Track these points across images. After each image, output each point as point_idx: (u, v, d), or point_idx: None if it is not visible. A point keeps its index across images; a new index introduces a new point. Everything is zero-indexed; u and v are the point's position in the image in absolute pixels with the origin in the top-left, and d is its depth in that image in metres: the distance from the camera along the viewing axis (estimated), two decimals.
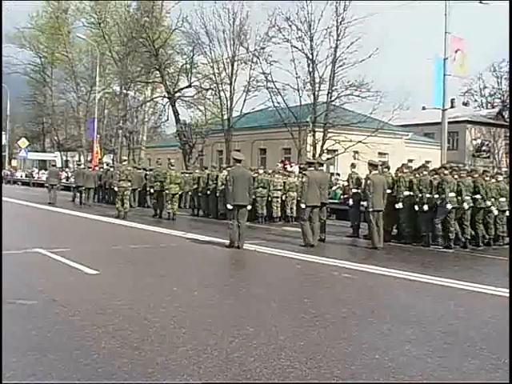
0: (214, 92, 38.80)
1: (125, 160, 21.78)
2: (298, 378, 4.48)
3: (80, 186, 26.35)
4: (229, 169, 14.86)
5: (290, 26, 32.80)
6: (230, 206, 12.06)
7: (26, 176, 55.04)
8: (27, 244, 11.46)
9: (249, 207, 12.50)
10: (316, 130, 32.51)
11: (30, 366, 4.65)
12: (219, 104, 38.12)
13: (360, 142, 31.03)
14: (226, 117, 37.62)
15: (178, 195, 19.72)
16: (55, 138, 61.05)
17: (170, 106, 40.94)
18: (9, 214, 18.61)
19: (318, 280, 9.09)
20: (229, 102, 37.40)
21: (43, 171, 50.21)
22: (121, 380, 4.35)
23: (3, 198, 25.16)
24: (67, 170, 49.58)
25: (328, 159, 31.74)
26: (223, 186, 17.36)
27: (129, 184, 19.49)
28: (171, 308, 6.71)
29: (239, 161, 12.58)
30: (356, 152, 29.94)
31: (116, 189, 19.65)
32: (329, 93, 32.53)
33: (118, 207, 19.26)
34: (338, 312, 6.74)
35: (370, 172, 13.36)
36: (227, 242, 12.30)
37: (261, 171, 20.59)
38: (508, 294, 7.81)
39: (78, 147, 56.33)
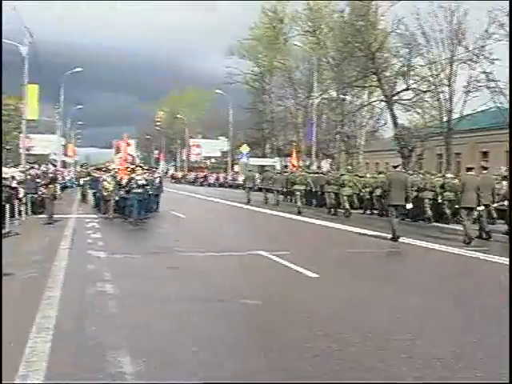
0: (432, 94, 40.18)
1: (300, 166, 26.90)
2: None
3: (267, 189, 31.32)
4: (388, 173, 18.11)
5: None
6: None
7: None
8: (248, 245, 13.33)
9: (409, 206, 15.48)
10: None
11: (248, 363, 5.24)
12: (438, 106, 39.56)
13: None
14: (445, 119, 38.96)
15: (351, 196, 23.66)
16: (275, 143, 66.16)
17: (388, 110, 43.02)
18: (225, 216, 23.23)
19: None
20: (448, 104, 38.77)
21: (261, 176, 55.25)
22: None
23: (225, 202, 29.89)
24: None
25: None
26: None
27: (303, 187, 24.92)
28: (390, 314, 7.10)
29: (396, 166, 16.78)
30: None
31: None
32: None
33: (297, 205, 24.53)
34: None
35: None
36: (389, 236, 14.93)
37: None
38: None
39: (296, 152, 60.64)
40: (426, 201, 20.72)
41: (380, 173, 26.28)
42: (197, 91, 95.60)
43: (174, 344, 5.84)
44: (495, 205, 17.10)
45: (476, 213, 15.57)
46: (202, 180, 68.80)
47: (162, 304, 7.62)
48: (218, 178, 66.33)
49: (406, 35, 40.12)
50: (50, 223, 17.79)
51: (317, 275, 9.58)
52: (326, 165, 53.64)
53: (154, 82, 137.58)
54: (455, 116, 38.89)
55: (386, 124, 46.15)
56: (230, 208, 28.81)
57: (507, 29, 33.22)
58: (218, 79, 67.60)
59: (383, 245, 14.56)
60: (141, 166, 21.82)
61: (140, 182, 18.44)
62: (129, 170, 20.33)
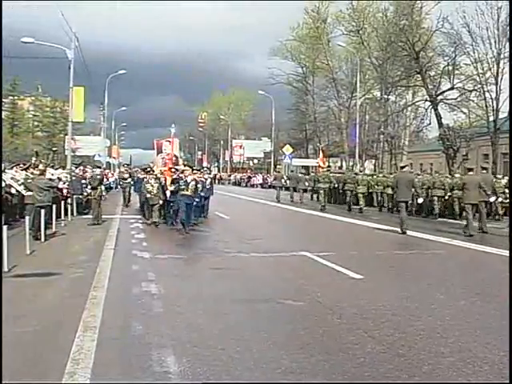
0: (478, 93, 39.49)
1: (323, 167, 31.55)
2: None
3: (294, 187, 33.52)
4: (396, 173, 21.77)
5: None
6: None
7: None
8: (290, 246, 13.51)
9: (420, 200, 18.97)
10: None
11: (298, 364, 5.26)
12: (484, 106, 38.85)
13: None
14: (491, 119, 38.20)
15: (365, 194, 26.21)
16: (318, 144, 66.07)
17: (432, 110, 42.32)
18: (265, 216, 24.18)
19: None
20: (494, 103, 38.02)
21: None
22: None
23: (266, 202, 29.99)
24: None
25: None
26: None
27: (326, 185, 27.10)
28: (437, 316, 7.02)
29: (403, 167, 18.91)
30: None
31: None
32: None
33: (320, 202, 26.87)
34: None
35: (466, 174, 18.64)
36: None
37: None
38: None
39: (339, 153, 60.61)
40: (435, 198, 22.80)
41: (391, 173, 29.54)
42: (239, 92, 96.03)
43: (218, 344, 5.86)
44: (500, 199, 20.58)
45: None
46: (246, 181, 69.10)
47: (206, 304, 7.67)
48: (262, 179, 66.55)
49: (451, 33, 39.44)
50: (94, 224, 18.09)
51: (361, 276, 9.62)
52: (369, 165, 53.36)
53: (196, 84, 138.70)
54: (502, 115, 38.13)
55: (430, 124, 45.41)
56: (269, 207, 29.68)
57: None
58: (260, 80, 68.09)
59: (422, 244, 14.68)
60: (190, 166, 19.25)
61: (190, 184, 16.45)
62: (173, 170, 18.77)
